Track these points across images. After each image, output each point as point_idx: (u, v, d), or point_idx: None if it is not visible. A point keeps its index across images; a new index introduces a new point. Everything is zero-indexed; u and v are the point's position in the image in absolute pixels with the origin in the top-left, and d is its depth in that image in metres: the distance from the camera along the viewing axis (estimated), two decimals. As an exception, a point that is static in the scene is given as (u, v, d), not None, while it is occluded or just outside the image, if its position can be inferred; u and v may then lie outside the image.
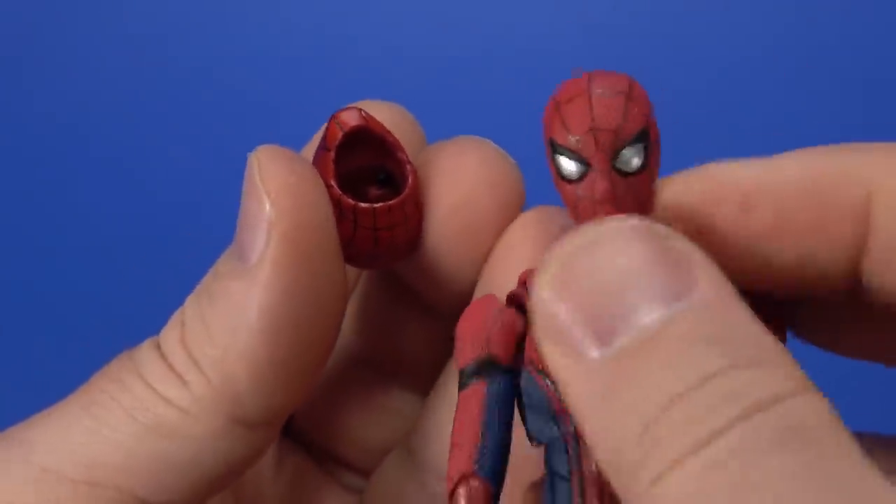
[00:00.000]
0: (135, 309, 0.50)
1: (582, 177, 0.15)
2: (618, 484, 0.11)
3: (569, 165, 0.15)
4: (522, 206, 0.18)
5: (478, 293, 0.18)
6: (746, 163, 0.15)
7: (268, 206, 0.16)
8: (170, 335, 0.17)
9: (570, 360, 0.11)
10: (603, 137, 0.14)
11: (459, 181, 0.18)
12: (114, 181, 0.52)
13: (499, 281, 0.18)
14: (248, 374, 0.16)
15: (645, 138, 0.15)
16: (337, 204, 0.16)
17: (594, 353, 0.11)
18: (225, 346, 0.16)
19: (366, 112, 0.17)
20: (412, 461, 0.20)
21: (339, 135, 0.17)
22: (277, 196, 0.16)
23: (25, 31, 0.53)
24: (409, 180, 0.17)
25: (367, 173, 0.18)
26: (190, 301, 0.17)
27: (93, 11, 0.52)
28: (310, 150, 0.19)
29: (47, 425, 0.17)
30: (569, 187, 0.15)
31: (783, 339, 0.16)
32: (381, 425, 0.21)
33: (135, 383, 0.17)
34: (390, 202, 0.17)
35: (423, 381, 0.21)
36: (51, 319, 0.50)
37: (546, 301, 0.11)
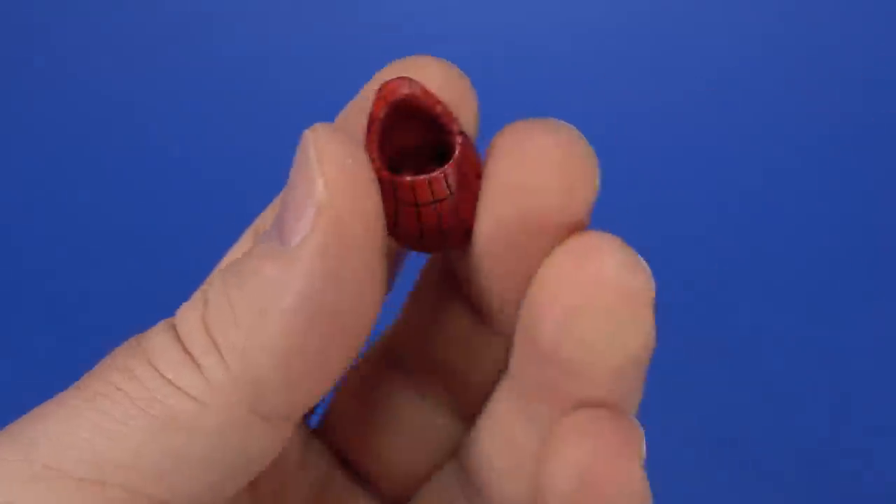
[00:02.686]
0: (135, 309, 0.50)
1: None
2: None
3: None
4: (594, 201, 0.16)
5: (526, 307, 0.16)
6: None
7: (321, 188, 0.15)
8: (189, 314, 0.16)
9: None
10: None
11: (525, 159, 0.15)
12: (113, 181, 0.52)
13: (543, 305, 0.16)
14: (272, 363, 0.15)
15: None
16: (377, 180, 0.15)
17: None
18: (250, 330, 0.15)
19: (415, 82, 0.16)
20: (469, 484, 0.19)
21: (383, 106, 0.16)
22: (333, 179, 0.15)
23: (26, 31, 0.53)
24: (456, 151, 0.16)
25: (426, 150, 0.17)
26: (215, 278, 0.16)
27: (93, 11, 0.52)
28: (342, 120, 0.18)
29: (48, 420, 0.15)
30: None
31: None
32: (414, 446, 0.20)
33: (145, 371, 0.15)
34: (431, 174, 0.15)
35: (468, 402, 0.19)
36: (51, 319, 0.50)
37: None
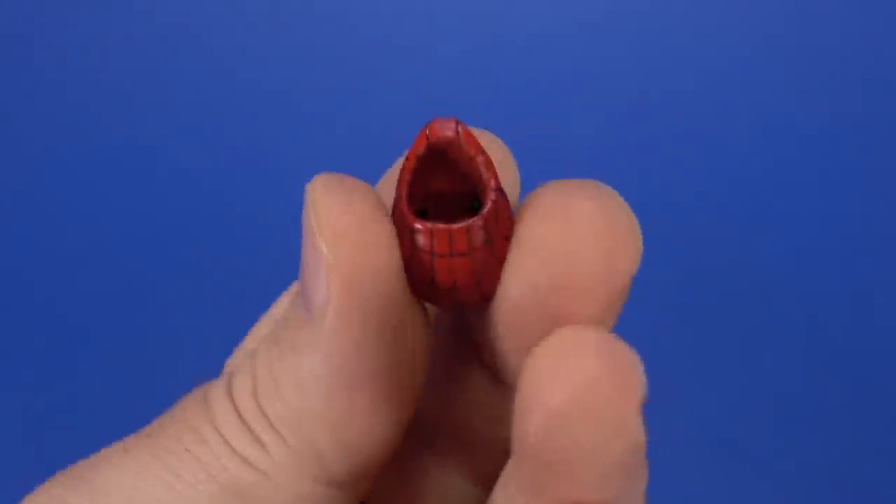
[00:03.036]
0: (135, 309, 0.50)
1: None
2: None
3: None
4: (634, 274, 0.15)
5: (515, 403, 0.15)
6: None
7: (325, 251, 0.14)
8: (241, 386, 0.16)
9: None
10: None
11: (564, 224, 0.14)
12: (114, 181, 0.52)
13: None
14: (326, 434, 0.15)
15: None
16: (399, 219, 0.15)
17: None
18: (297, 405, 0.15)
19: (463, 127, 0.15)
20: None
21: (423, 145, 0.15)
22: (334, 238, 0.14)
23: (26, 31, 0.53)
24: (486, 206, 0.15)
25: (461, 200, 0.16)
26: (260, 349, 0.16)
27: (93, 11, 0.52)
28: (389, 177, 0.17)
29: (117, 469, 0.15)
30: None
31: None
32: None
33: (210, 436, 0.15)
34: (452, 225, 0.15)
35: (490, 466, 0.18)
36: (51, 319, 0.50)
37: None
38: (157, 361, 0.47)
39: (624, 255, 0.14)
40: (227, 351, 0.21)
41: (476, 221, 0.15)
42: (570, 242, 0.14)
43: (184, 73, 0.52)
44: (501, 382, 0.17)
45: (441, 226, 0.15)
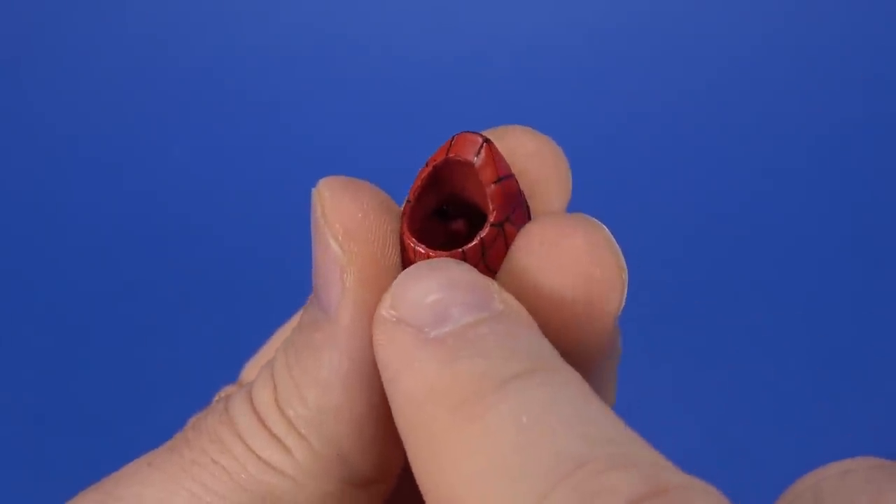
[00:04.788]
0: (134, 309, 0.50)
1: None
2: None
3: None
4: (622, 307, 0.15)
5: None
6: None
7: (337, 250, 0.14)
8: (262, 393, 0.16)
9: (411, 340, 0.13)
10: None
11: (550, 261, 0.15)
12: (113, 181, 0.52)
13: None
14: (349, 432, 0.15)
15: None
16: (401, 225, 0.15)
17: (432, 333, 0.13)
18: (318, 404, 0.15)
19: (489, 148, 0.15)
20: None
21: (442, 159, 0.15)
22: (346, 238, 0.14)
23: (25, 32, 0.53)
24: (473, 241, 0.15)
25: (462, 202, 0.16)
26: (278, 355, 0.16)
27: (93, 11, 0.52)
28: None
29: (147, 483, 0.15)
30: None
31: None
32: None
33: (235, 445, 0.15)
34: (433, 252, 0.15)
35: None
36: (51, 319, 0.50)
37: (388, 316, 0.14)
38: (156, 361, 0.47)
39: (607, 297, 0.15)
40: (230, 352, 0.21)
41: (455, 253, 0.15)
42: (554, 281, 0.15)
43: (186, 75, 0.52)
44: None
45: (422, 249, 0.15)
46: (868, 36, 0.53)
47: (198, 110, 0.52)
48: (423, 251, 0.15)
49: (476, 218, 0.16)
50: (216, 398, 0.18)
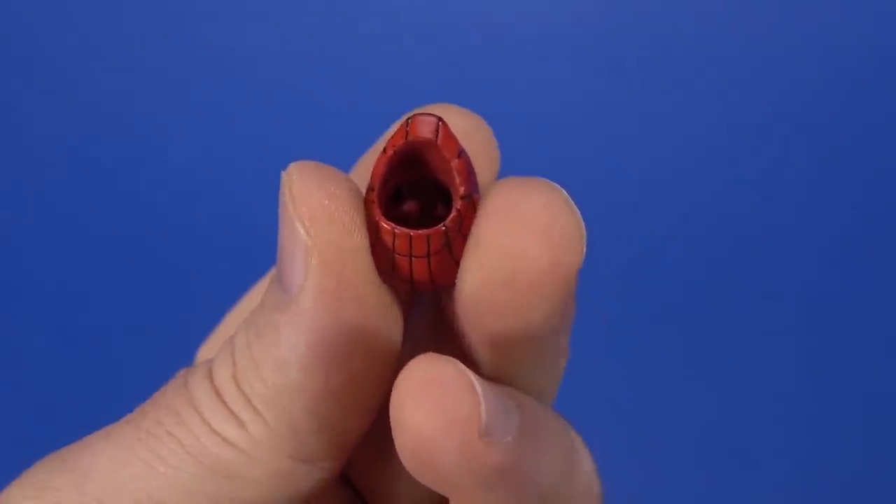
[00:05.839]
0: (135, 309, 0.50)
1: None
2: None
3: None
4: (580, 266, 0.16)
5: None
6: None
7: (302, 233, 0.15)
8: (221, 370, 0.16)
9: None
10: None
11: (510, 223, 0.15)
12: (113, 181, 0.52)
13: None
14: (303, 409, 0.15)
15: None
16: (369, 208, 0.16)
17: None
18: (276, 382, 0.15)
19: (445, 128, 0.15)
20: None
21: (402, 143, 0.15)
22: (312, 221, 0.15)
23: (25, 32, 0.53)
24: (451, 214, 0.15)
25: (437, 184, 0.17)
26: (238, 333, 0.16)
27: (93, 11, 0.52)
28: (363, 164, 0.18)
29: (101, 454, 0.16)
30: None
31: None
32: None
33: (191, 418, 0.16)
34: (413, 231, 0.15)
35: None
36: (51, 319, 0.50)
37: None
38: (154, 361, 0.47)
39: (568, 250, 0.15)
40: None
41: (438, 229, 0.15)
42: (517, 239, 0.15)
43: (178, 68, 0.52)
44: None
45: (403, 230, 0.15)
46: (868, 36, 0.53)
47: (194, 108, 0.52)
48: (404, 233, 0.15)
49: (426, 197, 0.17)
50: (175, 376, 0.18)
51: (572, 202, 0.16)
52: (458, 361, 0.15)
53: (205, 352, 0.22)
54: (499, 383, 0.16)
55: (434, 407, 0.15)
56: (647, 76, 0.53)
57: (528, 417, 0.16)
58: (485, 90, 0.50)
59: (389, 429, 0.17)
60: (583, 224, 0.15)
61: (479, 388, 0.15)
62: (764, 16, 0.53)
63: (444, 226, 0.15)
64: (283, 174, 0.15)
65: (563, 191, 0.16)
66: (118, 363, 0.48)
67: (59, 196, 0.52)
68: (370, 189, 0.16)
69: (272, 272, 0.17)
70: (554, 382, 0.18)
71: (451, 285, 0.16)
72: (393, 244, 0.15)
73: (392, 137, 0.16)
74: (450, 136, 0.15)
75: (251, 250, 0.34)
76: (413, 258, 0.16)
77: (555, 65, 0.52)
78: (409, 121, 0.15)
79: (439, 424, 0.15)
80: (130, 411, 0.17)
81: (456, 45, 0.52)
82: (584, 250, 0.15)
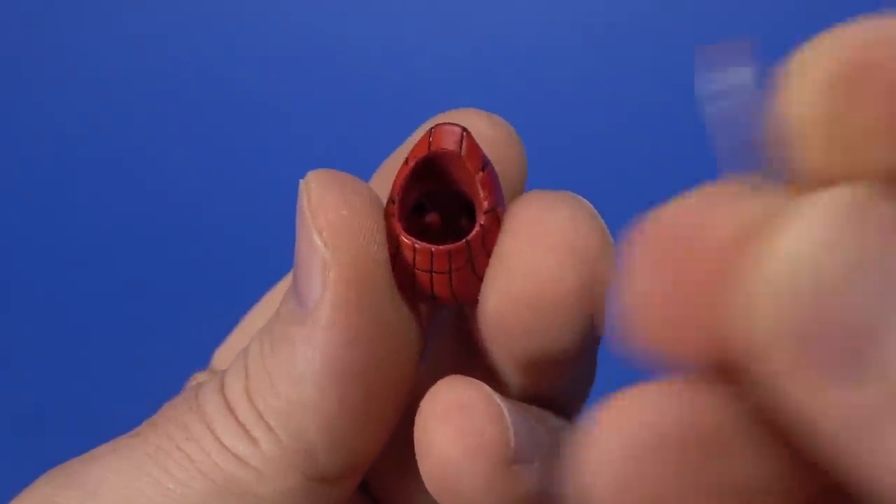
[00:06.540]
0: (134, 309, 0.50)
1: None
2: None
3: None
4: (608, 286, 0.15)
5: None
6: None
7: (320, 245, 0.14)
8: (233, 383, 0.16)
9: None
10: None
11: (538, 238, 0.15)
12: (114, 181, 0.52)
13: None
14: (318, 427, 0.15)
15: None
16: (389, 221, 0.15)
17: None
18: (290, 398, 0.15)
19: (469, 137, 0.15)
20: None
21: (424, 154, 0.15)
22: (331, 233, 0.14)
23: (25, 31, 0.53)
24: (475, 230, 0.15)
25: (460, 195, 0.16)
26: (253, 345, 0.16)
27: (93, 11, 0.52)
28: (383, 171, 0.17)
29: (109, 467, 0.15)
30: None
31: None
32: None
33: (202, 434, 0.15)
34: (434, 247, 0.15)
35: None
36: (51, 319, 0.50)
37: None
38: (154, 361, 0.47)
39: (595, 268, 0.14)
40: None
41: (460, 245, 0.15)
42: (542, 258, 0.14)
43: (179, 72, 0.52)
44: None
45: (424, 246, 0.15)
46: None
47: (196, 109, 0.52)
48: (425, 249, 0.15)
49: (450, 210, 0.16)
50: (187, 385, 0.18)
51: (599, 216, 0.15)
52: (485, 384, 0.15)
53: (221, 355, 0.21)
54: (525, 403, 0.16)
55: (460, 432, 0.14)
56: (681, 81, 0.53)
57: (555, 440, 0.16)
58: (509, 91, 0.50)
59: (411, 440, 0.17)
60: (611, 238, 0.15)
61: (506, 414, 0.14)
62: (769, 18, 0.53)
63: (466, 241, 0.15)
64: (301, 183, 0.15)
65: (590, 204, 0.15)
66: (133, 366, 0.47)
67: (87, 200, 0.52)
68: (391, 201, 0.15)
69: (290, 275, 0.17)
70: (582, 400, 0.18)
71: (473, 302, 0.16)
72: (413, 259, 0.15)
73: (414, 148, 0.15)
74: (474, 148, 0.15)
75: (269, 251, 0.33)
76: (434, 274, 0.15)
77: (586, 66, 0.52)
78: (432, 131, 0.15)
79: (465, 450, 0.14)
80: (142, 417, 0.17)
81: (482, 44, 0.52)
82: (614, 265, 0.15)
